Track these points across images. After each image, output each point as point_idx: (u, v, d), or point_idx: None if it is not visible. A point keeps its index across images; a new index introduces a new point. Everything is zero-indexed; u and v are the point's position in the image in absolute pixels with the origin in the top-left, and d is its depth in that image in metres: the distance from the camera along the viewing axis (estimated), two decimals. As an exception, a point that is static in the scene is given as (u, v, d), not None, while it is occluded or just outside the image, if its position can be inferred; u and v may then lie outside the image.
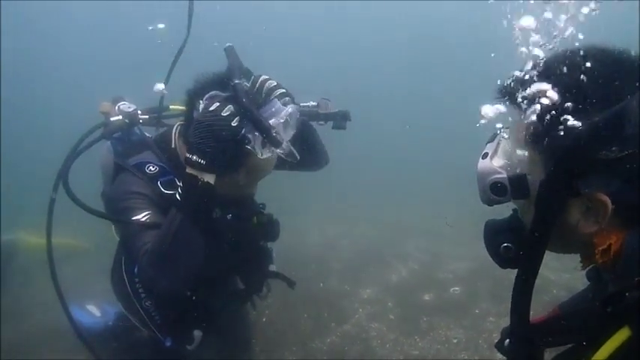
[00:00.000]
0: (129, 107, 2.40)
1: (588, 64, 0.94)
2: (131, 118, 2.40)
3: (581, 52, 0.97)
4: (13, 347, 3.32)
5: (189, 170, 1.93)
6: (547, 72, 0.98)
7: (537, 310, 1.69)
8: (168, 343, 2.51)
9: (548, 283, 3.93)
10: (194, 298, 2.35)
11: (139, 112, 2.44)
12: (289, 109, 2.03)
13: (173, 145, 2.28)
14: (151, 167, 2.20)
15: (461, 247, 4.98)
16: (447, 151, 8.42)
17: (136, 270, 2.06)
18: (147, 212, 2.07)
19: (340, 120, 2.56)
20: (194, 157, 1.90)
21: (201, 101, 1.98)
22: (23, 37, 11.95)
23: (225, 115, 1.87)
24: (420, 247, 5.15)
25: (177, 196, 1.96)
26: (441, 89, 12.77)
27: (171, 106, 2.55)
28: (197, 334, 2.51)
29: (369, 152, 10.01)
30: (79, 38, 12.97)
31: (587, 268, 1.15)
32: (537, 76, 0.98)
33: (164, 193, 2.15)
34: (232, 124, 1.87)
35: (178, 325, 2.51)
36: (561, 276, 3.99)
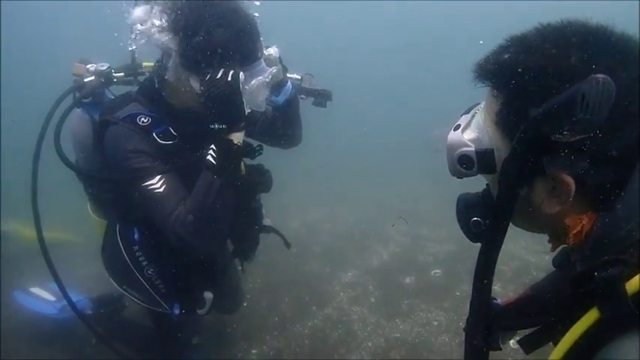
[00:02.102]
0: (102, 66, 2.32)
1: (566, 41, 0.91)
2: (106, 77, 2.32)
3: (558, 28, 0.95)
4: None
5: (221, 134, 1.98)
6: (520, 49, 0.96)
7: (518, 293, 1.69)
8: (176, 311, 2.43)
9: (528, 265, 3.98)
10: (202, 257, 2.32)
11: (113, 70, 2.35)
12: (273, 69, 2.12)
13: (157, 85, 2.18)
14: (142, 119, 2.11)
15: (442, 230, 5.00)
16: (427, 133, 8.43)
17: (169, 233, 2.02)
18: (160, 175, 2.04)
19: (322, 98, 2.55)
20: (216, 126, 1.96)
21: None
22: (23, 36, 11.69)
23: (220, 77, 1.92)
24: (401, 230, 5.15)
25: (211, 159, 1.98)
26: (424, 70, 12.80)
27: (144, 64, 2.44)
28: (208, 295, 2.43)
29: (351, 135, 10.00)
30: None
31: (557, 250, 1.15)
32: (510, 53, 0.96)
33: (161, 144, 2.10)
34: (228, 80, 1.91)
35: (187, 289, 2.43)
36: (542, 258, 4.04)
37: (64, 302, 2.55)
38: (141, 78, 2.43)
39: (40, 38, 12.34)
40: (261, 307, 3.59)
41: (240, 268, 2.82)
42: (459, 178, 1.09)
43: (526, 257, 4.09)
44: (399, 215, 4.80)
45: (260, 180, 2.42)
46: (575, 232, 0.98)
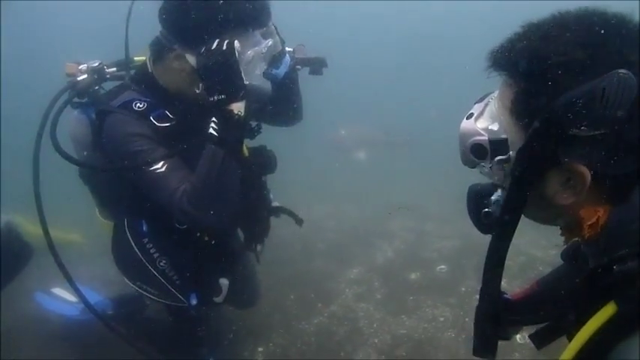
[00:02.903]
0: (93, 62, 2.32)
1: (583, 30, 0.89)
2: (99, 73, 2.32)
3: (576, 16, 0.93)
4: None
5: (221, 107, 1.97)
6: (537, 37, 0.94)
7: (523, 288, 1.68)
8: (193, 302, 2.42)
9: (534, 260, 3.95)
10: (213, 242, 2.31)
11: (105, 66, 2.36)
12: (269, 41, 2.13)
13: (150, 69, 2.20)
14: (138, 104, 2.12)
15: (446, 226, 4.98)
16: (433, 128, 8.38)
17: (175, 213, 2.02)
18: (161, 156, 2.03)
19: (317, 65, 2.55)
20: (215, 97, 1.95)
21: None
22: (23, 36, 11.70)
23: (215, 47, 1.93)
24: (406, 226, 5.14)
25: (213, 131, 1.97)
26: (432, 64, 12.72)
27: (135, 58, 2.45)
28: (223, 282, 2.43)
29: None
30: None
31: (569, 244, 1.13)
32: (526, 41, 0.94)
33: (159, 127, 2.10)
34: (223, 49, 1.92)
35: (202, 277, 2.41)
36: (547, 252, 4.02)
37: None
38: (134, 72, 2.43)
39: (39, 37, 12.35)
40: (266, 304, 3.58)
41: (254, 258, 2.78)
42: (470, 167, 1.07)
43: (532, 252, 4.06)
44: (400, 206, 4.75)
45: (264, 161, 2.40)
46: (590, 223, 0.96)
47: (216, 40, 1.94)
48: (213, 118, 1.98)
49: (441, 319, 3.39)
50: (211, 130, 1.97)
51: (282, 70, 2.35)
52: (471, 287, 3.70)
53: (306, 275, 4.06)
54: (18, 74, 10.73)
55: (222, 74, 1.93)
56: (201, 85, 2.03)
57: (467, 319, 3.33)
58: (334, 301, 3.69)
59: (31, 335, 3.19)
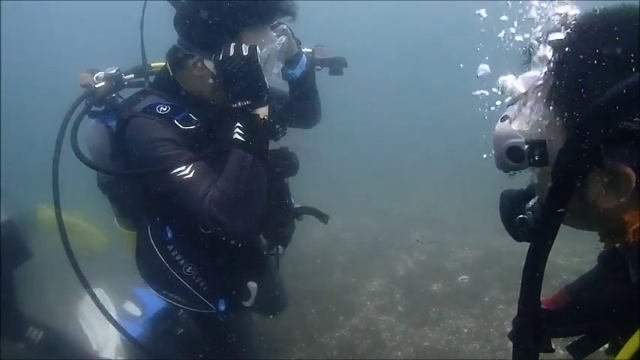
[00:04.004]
0: (111, 69, 2.32)
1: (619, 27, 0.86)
2: (117, 80, 2.32)
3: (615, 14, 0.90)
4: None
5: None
6: (577, 31, 0.90)
7: (547, 296, 1.65)
8: (222, 307, 2.36)
9: (558, 268, 3.88)
10: (240, 245, 2.22)
11: (122, 73, 2.35)
12: (282, 38, 2.12)
13: (171, 74, 2.16)
14: (162, 108, 2.07)
15: (467, 236, 4.94)
16: (450, 138, 8.33)
17: (204, 217, 1.97)
18: (187, 160, 1.99)
19: (337, 65, 2.53)
20: (239, 104, 1.93)
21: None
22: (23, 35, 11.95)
23: (234, 53, 1.91)
24: (426, 237, 5.10)
25: (239, 136, 1.94)
26: (443, 74, 12.67)
27: (153, 64, 2.43)
28: (252, 285, 2.38)
29: (371, 142, 9.94)
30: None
31: (605, 250, 1.09)
32: (567, 34, 0.91)
33: (183, 129, 2.05)
34: (244, 54, 1.90)
35: (230, 282, 2.36)
36: (571, 260, 3.95)
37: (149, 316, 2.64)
38: (152, 79, 2.40)
39: (39, 37, 12.55)
40: (287, 319, 3.57)
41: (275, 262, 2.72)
42: (505, 172, 1.03)
43: (554, 260, 3.99)
44: (419, 240, 4.71)
45: (286, 163, 2.35)
46: (635, 228, 0.90)
47: (233, 44, 1.92)
48: (238, 124, 1.96)
49: (465, 330, 3.34)
50: (237, 135, 1.95)
51: (298, 71, 2.34)
52: (494, 297, 3.65)
53: (327, 288, 4.04)
54: (17, 74, 10.92)
55: (246, 80, 1.91)
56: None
57: (491, 330, 3.27)
58: (356, 314, 3.66)
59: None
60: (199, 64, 2.05)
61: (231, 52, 1.90)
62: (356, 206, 6.35)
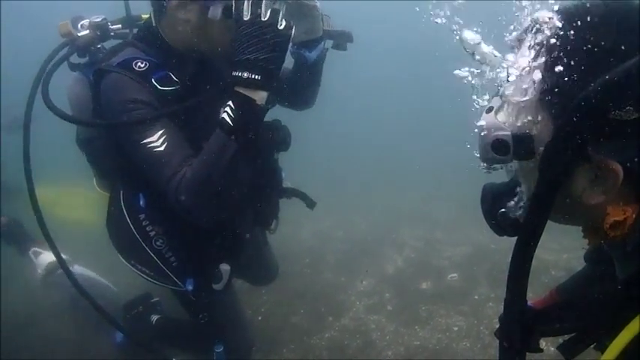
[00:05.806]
0: (97, 18, 2.15)
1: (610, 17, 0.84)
2: (102, 29, 2.15)
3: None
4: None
5: (241, 91, 1.69)
6: (565, 22, 0.88)
7: (537, 293, 1.63)
8: (189, 287, 2.18)
9: (546, 265, 3.88)
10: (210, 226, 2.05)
11: (109, 22, 2.19)
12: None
13: (154, 24, 1.95)
14: (139, 63, 1.86)
15: (456, 233, 4.93)
16: (438, 136, 8.33)
17: (170, 197, 1.78)
18: (160, 130, 1.79)
19: (342, 39, 2.27)
20: (245, 75, 1.66)
21: None
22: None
23: (269, 19, 1.66)
24: (415, 235, 5.09)
25: (227, 118, 1.69)
26: (433, 74, 12.69)
27: (143, 15, 2.21)
28: (224, 267, 2.19)
29: (361, 140, 9.95)
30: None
31: (590, 247, 1.07)
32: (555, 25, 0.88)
33: (160, 90, 1.86)
34: (279, 28, 1.66)
35: (201, 261, 2.19)
36: (560, 256, 3.95)
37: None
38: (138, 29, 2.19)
39: (39, 37, 12.46)
40: (276, 319, 3.54)
41: (264, 237, 2.63)
42: (489, 165, 1.00)
43: (543, 256, 3.99)
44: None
45: (277, 137, 2.15)
46: (615, 220, 0.88)
47: (269, 10, 1.65)
48: (230, 103, 1.70)
49: (455, 328, 3.32)
50: (225, 116, 1.70)
51: (314, 54, 2.12)
52: (484, 295, 3.64)
53: (316, 288, 4.01)
54: (17, 74, 10.82)
55: (271, 53, 1.65)
56: (215, 38, 1.83)
57: (481, 328, 3.26)
58: (345, 314, 3.63)
59: (28, 335, 3.19)
60: (182, 6, 1.83)
61: (264, 17, 1.65)
62: (346, 204, 6.33)
